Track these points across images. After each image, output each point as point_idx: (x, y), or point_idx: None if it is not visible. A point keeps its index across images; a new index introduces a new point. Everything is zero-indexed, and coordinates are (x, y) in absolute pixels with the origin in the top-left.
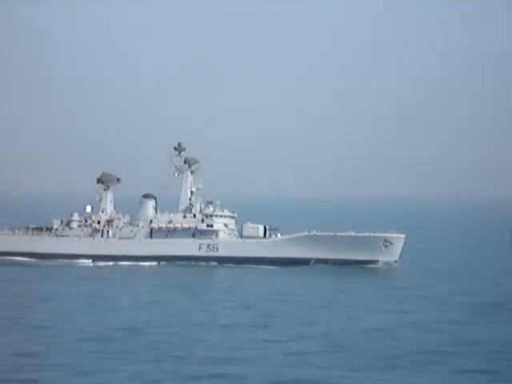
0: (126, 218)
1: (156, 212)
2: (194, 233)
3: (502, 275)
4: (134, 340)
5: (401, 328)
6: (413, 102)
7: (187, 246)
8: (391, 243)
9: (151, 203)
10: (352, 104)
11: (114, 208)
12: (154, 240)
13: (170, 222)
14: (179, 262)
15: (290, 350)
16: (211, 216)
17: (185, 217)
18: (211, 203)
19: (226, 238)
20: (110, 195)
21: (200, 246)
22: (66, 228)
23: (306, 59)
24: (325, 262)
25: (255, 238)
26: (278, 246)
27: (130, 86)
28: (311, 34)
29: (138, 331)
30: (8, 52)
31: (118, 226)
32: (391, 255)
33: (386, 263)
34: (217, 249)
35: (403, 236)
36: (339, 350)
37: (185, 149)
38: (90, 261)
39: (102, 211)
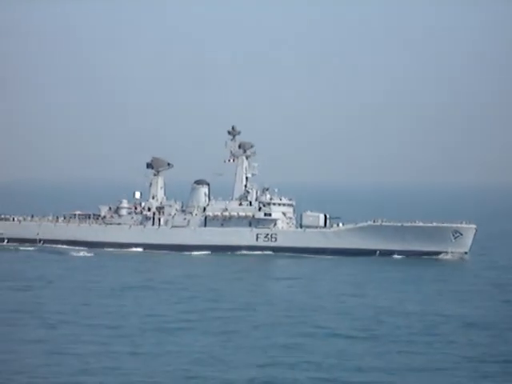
0: (178, 205)
1: (209, 199)
2: (251, 222)
3: None
4: None
5: None
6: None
7: (244, 236)
8: (461, 234)
9: (204, 190)
10: (418, 92)
11: (165, 194)
12: (208, 229)
13: (226, 209)
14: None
15: None
16: (269, 204)
17: (240, 204)
18: (268, 190)
19: (285, 228)
20: (160, 181)
21: (257, 235)
22: (115, 215)
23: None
24: (391, 253)
25: (315, 227)
26: (341, 237)
27: (182, 71)
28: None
29: None
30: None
31: (170, 214)
32: (461, 246)
33: (456, 255)
34: (275, 239)
35: (474, 227)
36: None
37: (239, 132)
38: (141, 249)
39: (153, 198)
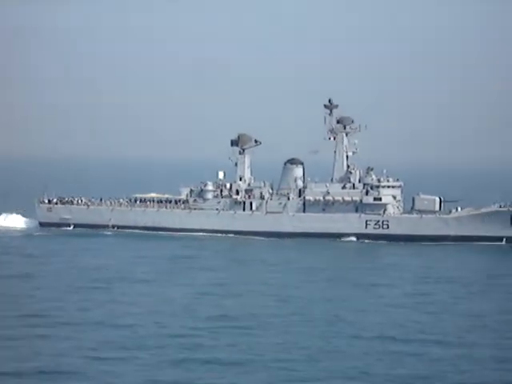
0: (268, 187)
1: (303, 181)
2: (358, 206)
3: None
4: None
5: None
6: None
7: (351, 223)
8: None
9: (298, 170)
10: None
11: (251, 174)
12: (309, 215)
13: (328, 193)
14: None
15: None
16: (377, 187)
17: (344, 187)
18: (372, 170)
19: (396, 213)
20: (247, 160)
21: (367, 222)
22: (199, 199)
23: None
24: None
25: (430, 211)
26: (463, 223)
27: (273, 45)
28: None
29: None
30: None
31: (262, 197)
32: None
33: None
34: (387, 225)
35: None
36: None
37: (337, 106)
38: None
39: (240, 179)
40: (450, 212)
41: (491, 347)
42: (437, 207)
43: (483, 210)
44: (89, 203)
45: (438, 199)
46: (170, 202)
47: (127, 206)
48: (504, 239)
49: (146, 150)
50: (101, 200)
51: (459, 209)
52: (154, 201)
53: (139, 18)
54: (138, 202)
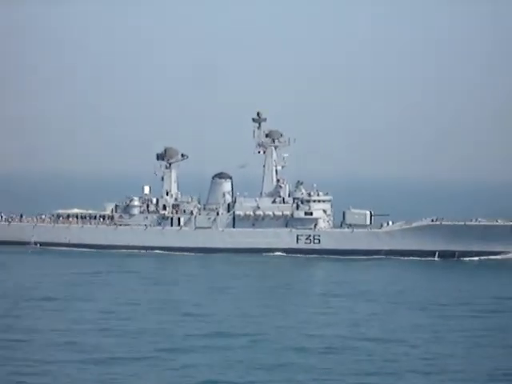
0: (195, 202)
1: (232, 195)
2: (288, 221)
3: None
4: None
5: None
6: None
7: (283, 238)
8: None
9: (227, 184)
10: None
11: (178, 189)
12: (240, 230)
13: (258, 208)
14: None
15: None
16: (308, 202)
17: (274, 202)
18: (302, 184)
19: (327, 227)
20: (173, 174)
21: (298, 237)
22: (125, 215)
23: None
24: (452, 255)
25: (361, 225)
26: (395, 237)
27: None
28: None
29: None
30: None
31: (192, 213)
32: None
33: None
34: (319, 240)
35: None
36: None
37: (266, 119)
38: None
39: (167, 193)
40: (382, 226)
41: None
42: (367, 221)
43: (415, 224)
44: (9, 219)
45: (368, 213)
46: (95, 217)
47: (50, 222)
48: (437, 253)
49: (67, 162)
50: (21, 216)
51: (390, 223)
52: (77, 217)
53: None
54: (61, 218)
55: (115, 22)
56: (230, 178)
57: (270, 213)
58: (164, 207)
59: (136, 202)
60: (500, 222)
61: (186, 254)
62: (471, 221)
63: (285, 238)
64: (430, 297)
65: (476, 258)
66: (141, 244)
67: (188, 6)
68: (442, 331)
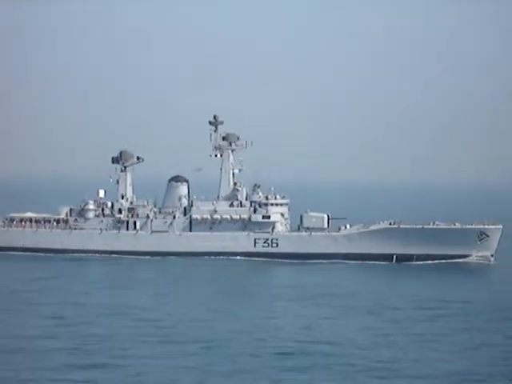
0: (151, 206)
1: (189, 199)
2: (246, 224)
3: None
4: None
5: None
6: None
7: (240, 241)
8: (487, 236)
9: (183, 188)
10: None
11: (133, 193)
12: (196, 234)
13: (215, 211)
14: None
15: None
16: (266, 205)
17: (231, 205)
18: (259, 188)
19: (285, 231)
20: (129, 177)
21: (256, 240)
22: (80, 219)
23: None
24: (409, 258)
25: (319, 229)
26: (353, 240)
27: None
28: None
29: None
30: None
31: (148, 217)
32: (487, 249)
33: (481, 258)
34: (276, 244)
35: (500, 227)
36: None
37: (222, 122)
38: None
39: (122, 197)
40: (339, 229)
41: None
42: (325, 224)
43: (372, 228)
44: None
45: (326, 216)
46: (49, 221)
47: (3, 226)
48: (394, 257)
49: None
50: None
51: (348, 226)
52: (31, 220)
53: None
54: (14, 221)
55: (115, 21)
56: (187, 181)
57: (228, 216)
58: (119, 211)
59: (91, 206)
60: (457, 226)
61: (142, 258)
62: (429, 224)
63: (242, 241)
64: (383, 301)
65: (433, 262)
66: (96, 248)
67: (188, 6)
68: (393, 334)
